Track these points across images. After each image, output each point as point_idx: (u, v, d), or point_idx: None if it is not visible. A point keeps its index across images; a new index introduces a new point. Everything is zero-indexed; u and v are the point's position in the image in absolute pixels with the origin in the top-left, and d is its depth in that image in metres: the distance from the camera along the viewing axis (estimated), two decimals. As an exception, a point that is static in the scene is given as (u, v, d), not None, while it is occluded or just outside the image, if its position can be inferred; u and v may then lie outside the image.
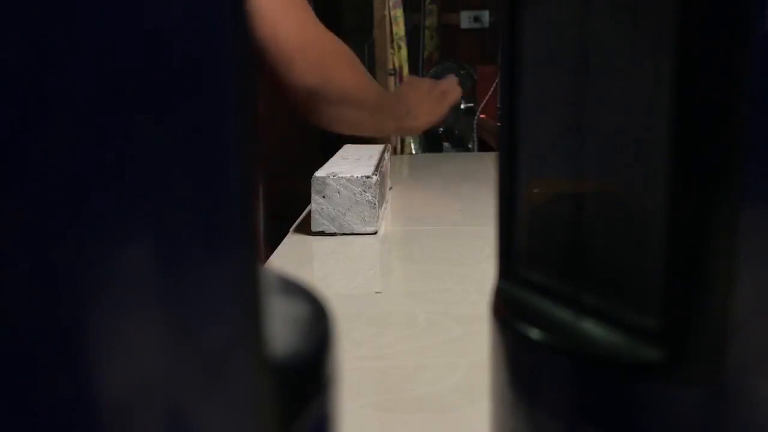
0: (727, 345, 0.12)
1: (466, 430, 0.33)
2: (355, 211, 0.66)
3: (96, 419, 0.08)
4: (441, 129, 2.07)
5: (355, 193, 0.66)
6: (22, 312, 0.07)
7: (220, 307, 0.09)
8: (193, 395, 0.09)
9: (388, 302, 0.51)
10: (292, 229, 0.70)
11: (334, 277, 0.57)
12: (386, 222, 0.74)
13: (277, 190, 0.98)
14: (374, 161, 0.75)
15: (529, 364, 0.15)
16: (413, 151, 1.84)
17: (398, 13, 1.63)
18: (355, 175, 0.66)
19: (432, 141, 2.08)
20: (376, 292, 0.53)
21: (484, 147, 1.82)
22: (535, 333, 0.15)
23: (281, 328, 0.12)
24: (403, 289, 0.55)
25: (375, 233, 0.67)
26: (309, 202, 0.68)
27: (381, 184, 0.70)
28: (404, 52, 1.66)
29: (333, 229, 0.67)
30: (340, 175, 0.66)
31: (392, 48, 1.63)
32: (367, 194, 0.66)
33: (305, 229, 0.69)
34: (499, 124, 0.17)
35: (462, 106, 2.03)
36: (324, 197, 0.66)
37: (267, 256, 0.63)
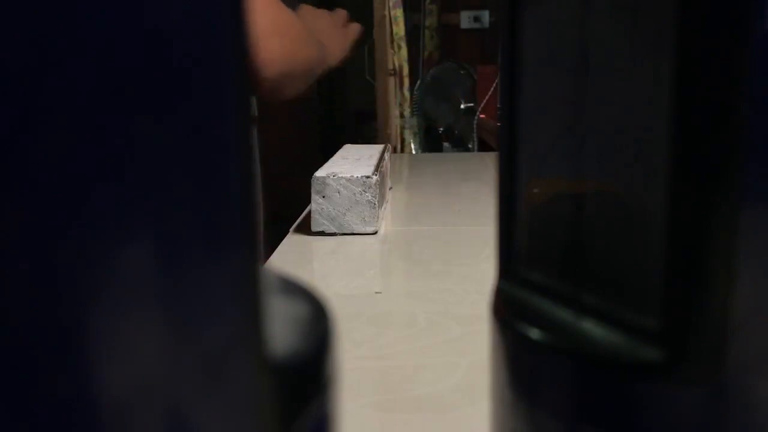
0: (727, 345, 0.12)
1: (466, 430, 0.33)
2: (355, 211, 0.66)
3: (96, 419, 0.08)
4: (441, 129, 2.07)
5: (355, 193, 0.66)
6: (22, 312, 0.07)
7: (220, 307, 0.09)
8: (193, 395, 0.09)
9: (388, 302, 0.51)
10: (292, 229, 0.70)
11: (334, 277, 0.57)
12: (386, 222, 0.74)
13: (277, 190, 0.98)
14: (374, 161, 0.75)
15: (529, 364, 0.15)
16: (413, 151, 1.84)
17: (398, 13, 1.63)
18: (355, 175, 0.66)
19: (432, 141, 2.08)
20: (376, 292, 0.53)
21: (484, 147, 1.82)
22: (535, 333, 0.15)
23: (281, 328, 0.12)
24: (403, 289, 0.55)
25: (375, 233, 0.67)
26: (309, 202, 0.68)
27: (381, 184, 0.70)
28: (404, 52, 1.66)
29: (333, 229, 0.67)
30: (340, 175, 0.65)
31: (392, 48, 1.63)
32: (367, 194, 0.66)
33: (305, 229, 0.69)
34: (499, 124, 0.17)
35: (462, 106, 2.03)
36: (324, 197, 0.66)
37: (267, 256, 0.63)
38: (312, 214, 0.67)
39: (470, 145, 1.93)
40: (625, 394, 0.13)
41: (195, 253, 0.09)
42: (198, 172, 0.09)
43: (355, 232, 0.67)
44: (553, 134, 0.15)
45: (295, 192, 0.83)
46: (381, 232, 0.69)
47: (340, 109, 2.39)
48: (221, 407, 0.09)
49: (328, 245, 0.65)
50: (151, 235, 0.08)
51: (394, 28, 1.62)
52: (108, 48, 0.07)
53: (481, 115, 1.85)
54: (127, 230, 0.08)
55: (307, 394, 0.12)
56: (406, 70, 1.70)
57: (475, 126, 1.86)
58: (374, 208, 0.66)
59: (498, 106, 0.17)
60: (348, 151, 0.86)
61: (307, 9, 0.94)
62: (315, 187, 0.66)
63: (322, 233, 0.67)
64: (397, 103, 1.70)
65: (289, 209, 0.80)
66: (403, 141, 1.75)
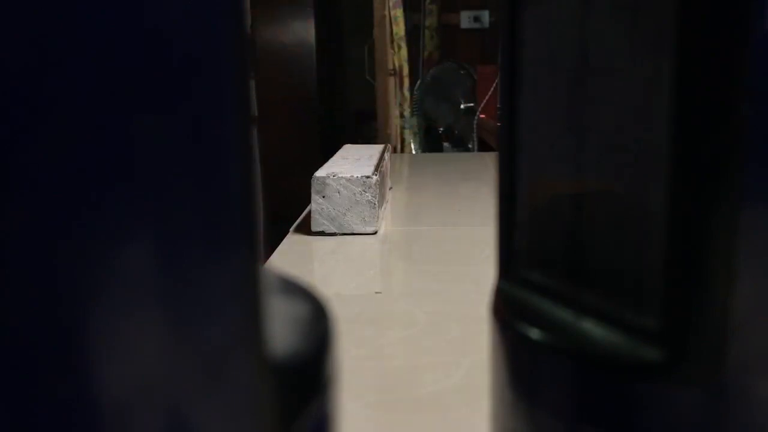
0: (727, 345, 0.12)
1: (466, 430, 0.33)
2: (355, 211, 0.66)
3: (96, 419, 0.08)
4: (441, 129, 2.07)
5: (355, 193, 0.66)
6: (22, 312, 0.07)
7: (220, 307, 0.09)
8: (193, 395, 0.09)
9: (388, 302, 0.51)
10: (292, 229, 0.70)
11: (334, 277, 0.57)
12: (386, 222, 0.74)
13: (277, 190, 0.98)
14: (374, 161, 0.75)
15: (529, 364, 0.15)
16: (413, 151, 1.84)
17: (398, 13, 1.63)
18: (355, 175, 0.66)
19: (432, 141, 2.08)
20: (376, 292, 0.53)
21: (484, 147, 1.82)
22: (535, 333, 0.15)
23: (281, 328, 0.12)
24: (403, 289, 0.55)
25: (375, 233, 0.67)
26: (309, 202, 0.68)
27: (381, 184, 0.70)
28: (404, 52, 1.66)
29: (333, 229, 0.67)
30: (340, 175, 0.65)
31: (392, 48, 1.63)
32: (367, 194, 0.66)
33: (305, 229, 0.69)
34: (499, 124, 0.17)
35: (462, 106, 2.03)
36: (324, 197, 0.66)
37: (267, 256, 0.63)
38: (312, 214, 0.67)
39: (470, 145, 1.93)
40: (625, 394, 0.13)
41: (195, 253, 0.09)
42: (198, 172, 0.09)
43: (355, 232, 0.67)
44: (553, 134, 0.15)
45: (295, 192, 0.83)
46: (381, 232, 0.69)
47: (340, 109, 2.39)
48: (221, 407, 0.09)
49: (328, 245, 0.65)
50: (151, 235, 0.08)
51: (394, 28, 1.63)
52: (108, 48, 0.07)
53: (481, 115, 1.85)
54: (127, 230, 0.08)
55: (307, 394, 0.12)
56: (406, 70, 1.70)
57: (475, 126, 1.86)
58: (374, 208, 0.66)
59: (498, 106, 0.17)
60: (348, 151, 0.86)
61: None
62: (315, 187, 0.66)
63: (322, 233, 0.67)
64: (397, 103, 1.70)
65: (289, 209, 0.80)
66: (403, 141, 1.75)
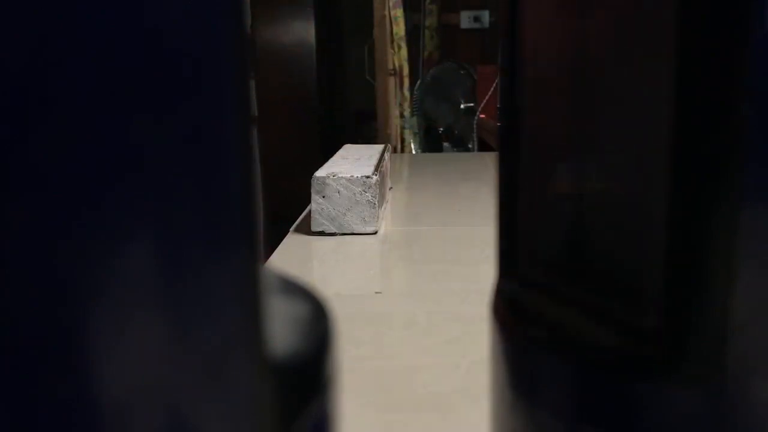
0: (727, 345, 0.12)
1: (466, 430, 0.33)
2: (355, 211, 0.66)
3: (96, 419, 0.08)
4: (441, 129, 2.07)
5: (355, 193, 0.66)
6: (22, 312, 0.07)
7: (220, 307, 0.09)
8: (194, 395, 0.09)
9: (388, 302, 0.51)
10: (292, 229, 0.70)
11: (334, 277, 0.57)
12: (386, 222, 0.74)
13: (277, 190, 0.98)
14: (374, 161, 0.75)
15: (529, 364, 0.15)
16: (413, 151, 1.84)
17: (398, 13, 1.63)
18: (355, 175, 0.66)
19: (432, 141, 2.08)
20: (376, 292, 0.53)
21: (484, 147, 1.82)
22: (535, 333, 0.15)
23: (281, 328, 0.12)
24: (403, 289, 0.55)
25: (375, 233, 0.67)
26: (309, 202, 0.68)
27: (381, 184, 0.70)
28: (404, 52, 1.66)
29: (333, 229, 0.67)
30: (340, 175, 0.65)
31: (392, 48, 1.63)
32: (367, 194, 0.66)
33: (305, 229, 0.69)
34: (499, 124, 0.17)
35: (462, 106, 2.03)
36: (324, 197, 0.66)
37: (267, 256, 0.63)
38: (312, 214, 0.67)
39: (470, 145, 1.93)
40: (625, 394, 0.13)
41: (195, 253, 0.09)
42: (198, 172, 0.09)
43: (355, 232, 0.67)
44: (553, 134, 0.15)
45: (295, 192, 0.83)
46: (381, 232, 0.69)
47: (340, 109, 2.39)
48: (221, 407, 0.09)
49: (328, 245, 0.65)
50: (151, 235, 0.08)
51: (394, 28, 1.63)
52: (108, 48, 0.07)
53: (481, 115, 1.85)
54: (127, 230, 0.08)
55: (307, 394, 0.12)
56: (406, 70, 1.70)
57: (475, 126, 1.86)
58: (374, 208, 0.66)
59: (498, 106, 0.17)
60: (348, 151, 0.86)
61: None
62: (315, 187, 0.66)
63: (322, 233, 0.67)
64: (397, 103, 1.70)
65: (289, 209, 0.80)
66: (403, 141, 1.75)
